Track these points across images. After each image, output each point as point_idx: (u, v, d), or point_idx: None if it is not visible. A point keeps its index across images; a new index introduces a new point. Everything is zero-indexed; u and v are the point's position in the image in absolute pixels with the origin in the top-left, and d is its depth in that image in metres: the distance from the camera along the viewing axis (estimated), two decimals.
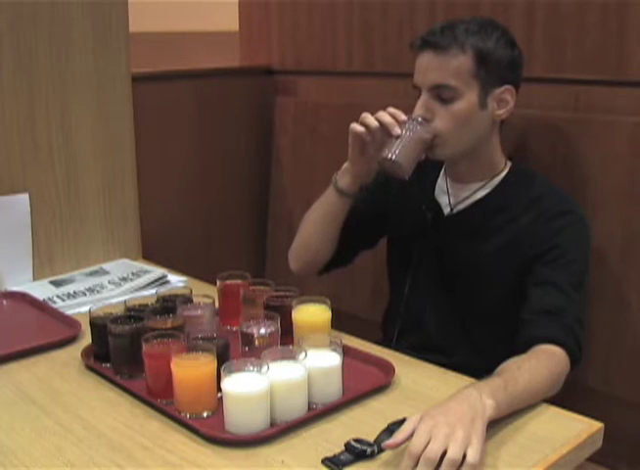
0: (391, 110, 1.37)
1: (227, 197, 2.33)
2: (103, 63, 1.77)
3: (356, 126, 1.38)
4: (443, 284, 1.48)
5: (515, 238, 1.39)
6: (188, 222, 2.25)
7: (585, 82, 1.61)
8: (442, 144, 1.38)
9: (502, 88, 1.37)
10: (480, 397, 1.03)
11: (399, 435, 0.98)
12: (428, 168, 1.49)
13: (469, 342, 1.46)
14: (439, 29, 1.36)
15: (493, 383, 1.08)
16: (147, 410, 1.13)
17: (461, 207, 1.47)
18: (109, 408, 1.14)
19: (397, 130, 1.33)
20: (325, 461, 0.98)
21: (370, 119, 1.37)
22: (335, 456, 0.98)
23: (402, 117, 1.36)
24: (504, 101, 1.39)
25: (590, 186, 1.57)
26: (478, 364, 1.23)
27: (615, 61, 1.56)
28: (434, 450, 0.94)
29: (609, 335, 1.57)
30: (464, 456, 0.94)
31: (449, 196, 1.48)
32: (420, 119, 1.35)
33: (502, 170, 1.46)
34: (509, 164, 1.47)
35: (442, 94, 1.35)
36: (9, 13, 1.60)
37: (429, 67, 1.36)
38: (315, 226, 1.53)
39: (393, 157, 1.32)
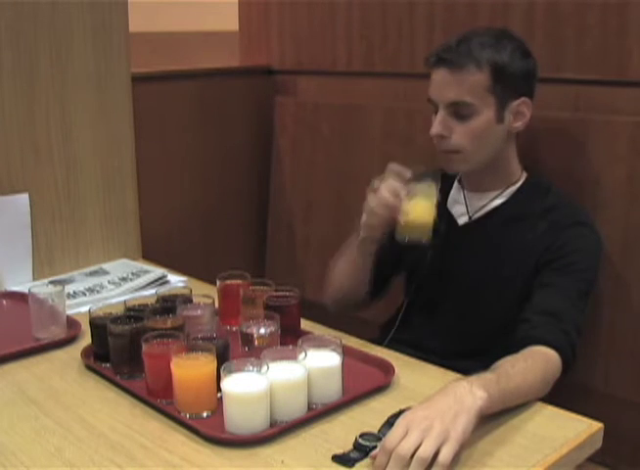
0: (391, 185, 1.30)
1: (227, 197, 2.33)
2: (103, 63, 1.77)
3: (377, 208, 1.31)
4: (451, 293, 1.48)
5: (528, 246, 1.39)
6: (188, 222, 2.25)
7: (585, 82, 1.61)
8: (461, 160, 1.39)
9: (519, 101, 1.39)
10: (471, 388, 1.01)
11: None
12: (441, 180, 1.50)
13: (471, 348, 1.44)
14: (455, 45, 1.35)
15: (486, 377, 1.06)
16: (147, 410, 1.13)
17: (478, 215, 1.47)
18: (109, 408, 1.14)
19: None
20: (335, 458, 0.98)
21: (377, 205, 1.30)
22: (344, 454, 0.98)
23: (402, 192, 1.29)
24: (520, 113, 1.40)
25: (590, 186, 1.57)
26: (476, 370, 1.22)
27: (615, 61, 1.56)
28: (404, 448, 0.91)
29: (609, 335, 1.57)
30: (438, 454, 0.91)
31: (467, 205, 1.49)
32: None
33: (518, 180, 1.47)
34: (525, 175, 1.48)
35: (460, 111, 1.35)
36: (9, 13, 1.60)
37: (445, 84, 1.36)
38: (345, 273, 1.50)
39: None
